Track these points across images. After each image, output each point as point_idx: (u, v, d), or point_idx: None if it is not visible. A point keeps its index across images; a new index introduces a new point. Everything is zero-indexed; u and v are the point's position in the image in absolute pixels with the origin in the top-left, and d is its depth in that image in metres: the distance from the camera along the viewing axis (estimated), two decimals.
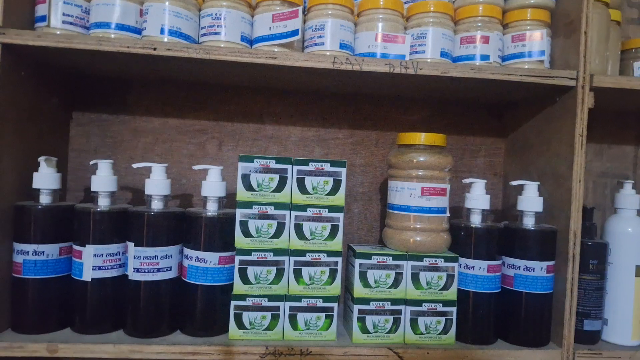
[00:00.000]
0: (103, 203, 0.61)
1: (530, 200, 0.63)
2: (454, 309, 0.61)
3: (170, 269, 0.60)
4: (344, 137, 0.78)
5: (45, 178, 0.60)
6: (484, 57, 0.64)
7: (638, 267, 0.64)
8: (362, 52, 0.63)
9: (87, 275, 0.59)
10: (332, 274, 0.61)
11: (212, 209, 0.62)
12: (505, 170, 0.81)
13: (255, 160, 0.60)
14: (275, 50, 0.60)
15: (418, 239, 0.61)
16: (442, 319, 0.61)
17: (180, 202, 0.75)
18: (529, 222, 0.63)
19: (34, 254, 0.58)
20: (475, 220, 0.63)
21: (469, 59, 0.64)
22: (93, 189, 0.61)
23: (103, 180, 0.61)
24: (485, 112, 0.81)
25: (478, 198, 0.63)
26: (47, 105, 0.67)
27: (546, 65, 0.65)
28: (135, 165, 0.62)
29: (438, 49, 0.63)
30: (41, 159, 0.60)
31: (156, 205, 0.61)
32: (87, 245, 0.59)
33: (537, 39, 0.64)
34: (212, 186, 0.62)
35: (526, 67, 0.64)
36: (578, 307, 0.62)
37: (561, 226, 0.63)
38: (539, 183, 0.64)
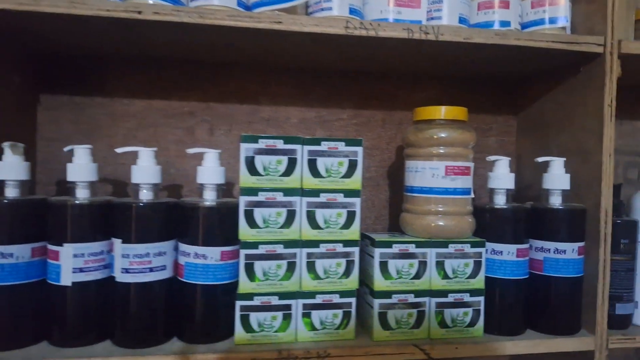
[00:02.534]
0: (82, 195, 0.52)
1: (557, 178, 0.59)
2: (482, 299, 0.56)
3: (165, 268, 0.52)
4: (348, 117, 0.72)
5: (12, 167, 0.51)
6: (504, 24, 0.59)
7: None
8: (373, 18, 0.57)
9: (67, 279, 0.50)
10: (349, 265, 0.54)
11: (210, 197, 0.54)
12: (518, 150, 0.76)
13: (260, 140, 0.53)
14: (280, 13, 0.53)
15: (441, 223, 0.56)
16: (469, 309, 0.56)
17: (168, 194, 0.67)
18: (556, 201, 0.59)
19: (1, 256, 0.49)
20: (500, 201, 0.58)
21: (488, 26, 0.59)
22: (69, 178, 0.52)
23: (81, 168, 0.53)
24: (496, 89, 0.76)
25: (503, 177, 0.58)
26: (7, 86, 0.57)
27: (568, 32, 0.61)
28: (119, 150, 0.54)
29: (456, 14, 0.57)
30: (5, 145, 0.51)
31: (145, 195, 0.53)
32: (64, 245, 0.50)
33: (559, 4, 0.59)
34: (210, 172, 0.54)
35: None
36: (610, 290, 0.58)
37: (589, 204, 0.59)
38: (565, 159, 0.60)
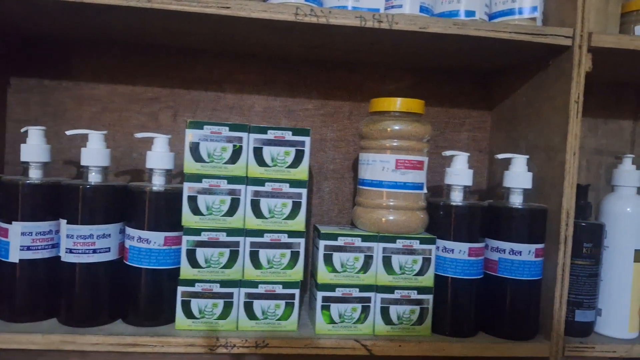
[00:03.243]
0: (34, 175, 0.54)
1: (518, 176, 0.56)
2: (430, 297, 0.55)
3: (109, 250, 0.53)
4: (314, 107, 0.71)
5: None
6: (469, 14, 0.56)
7: (637, 252, 0.57)
8: (332, 5, 0.55)
9: (14, 256, 0.52)
10: (294, 256, 0.54)
11: (158, 182, 0.54)
12: (491, 146, 0.74)
13: (205, 126, 0.52)
14: None
15: (391, 218, 0.54)
16: (417, 307, 0.55)
17: (131, 179, 0.68)
18: (516, 200, 0.57)
19: None
20: (456, 197, 0.56)
21: (452, 16, 0.56)
22: (22, 159, 0.54)
23: (34, 149, 0.54)
24: (470, 82, 0.73)
25: (460, 173, 0.56)
26: None
27: (539, 24, 0.58)
28: (69, 133, 0.55)
29: (417, 3, 0.55)
30: None
31: (94, 177, 0.54)
32: (13, 223, 0.52)
33: None
34: (159, 157, 0.54)
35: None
36: (569, 295, 0.55)
37: (552, 205, 0.56)
38: (528, 156, 0.57)
